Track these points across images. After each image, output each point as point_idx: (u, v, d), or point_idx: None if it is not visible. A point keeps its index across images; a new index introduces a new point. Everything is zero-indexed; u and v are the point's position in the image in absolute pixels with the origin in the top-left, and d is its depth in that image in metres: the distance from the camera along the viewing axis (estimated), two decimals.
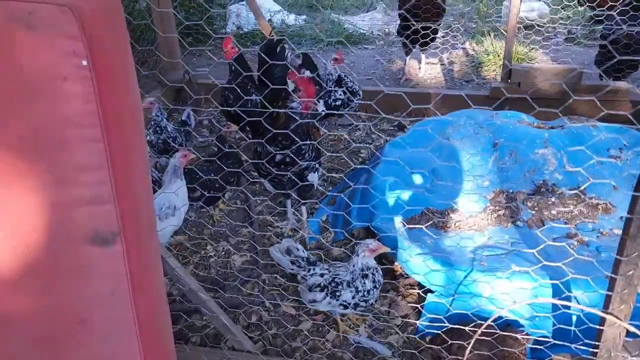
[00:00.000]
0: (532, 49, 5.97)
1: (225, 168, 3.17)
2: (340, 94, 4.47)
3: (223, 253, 3.36)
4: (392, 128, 4.84)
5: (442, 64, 6.33)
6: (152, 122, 3.92)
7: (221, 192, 3.62)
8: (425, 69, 6.04)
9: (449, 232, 3.09)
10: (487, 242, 2.92)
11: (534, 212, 3.17)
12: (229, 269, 3.20)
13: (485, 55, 6.17)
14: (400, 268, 2.92)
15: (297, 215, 3.65)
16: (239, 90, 3.91)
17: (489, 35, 6.47)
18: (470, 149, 3.61)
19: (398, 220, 3.13)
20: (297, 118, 2.86)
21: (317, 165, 3.21)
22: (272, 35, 4.37)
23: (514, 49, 4.85)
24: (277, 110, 2.83)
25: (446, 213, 3.26)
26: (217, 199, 3.67)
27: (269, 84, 4.06)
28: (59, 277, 1.62)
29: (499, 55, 6.06)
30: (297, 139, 2.76)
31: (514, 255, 2.76)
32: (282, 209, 3.71)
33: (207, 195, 3.54)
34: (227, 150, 3.48)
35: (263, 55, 3.55)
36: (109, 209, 1.67)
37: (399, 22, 5.77)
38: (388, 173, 3.37)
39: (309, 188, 3.32)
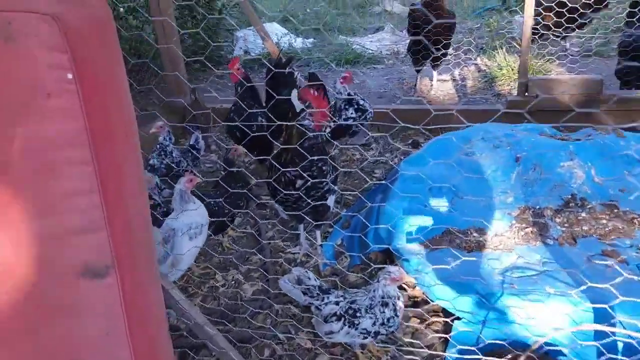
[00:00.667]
0: (548, 60, 5.80)
1: (231, 190, 3.01)
2: (351, 113, 4.33)
3: (233, 283, 3.17)
4: (406, 147, 4.67)
5: (454, 80, 6.18)
6: (158, 146, 3.79)
7: (230, 218, 3.46)
8: (437, 86, 5.90)
9: (474, 252, 2.88)
10: (516, 263, 2.71)
11: (564, 228, 2.95)
12: (239, 299, 3.01)
13: (498, 70, 6.02)
14: (423, 293, 2.71)
15: (310, 240, 3.47)
16: (245, 111, 3.79)
17: (501, 49, 6.32)
18: (491, 164, 3.42)
19: (417, 243, 2.94)
20: (310, 135, 2.70)
21: (335, 187, 3.05)
22: (280, 57, 4.27)
23: (528, 61, 4.68)
24: (283, 123, 2.70)
25: (469, 232, 3.05)
26: (226, 226, 3.50)
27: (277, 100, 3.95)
28: (48, 316, 1.45)
29: (512, 69, 5.91)
30: (315, 158, 2.62)
31: (546, 276, 2.54)
32: (293, 232, 3.53)
33: (216, 221, 3.38)
34: (233, 171, 3.33)
35: (272, 68, 3.45)
36: (100, 237, 1.51)
37: (408, 39, 5.66)
38: (406, 190, 3.18)
39: (325, 211, 3.15)
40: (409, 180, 3.31)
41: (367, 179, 4.19)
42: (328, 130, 4.11)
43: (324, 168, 2.80)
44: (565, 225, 2.97)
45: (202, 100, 4.91)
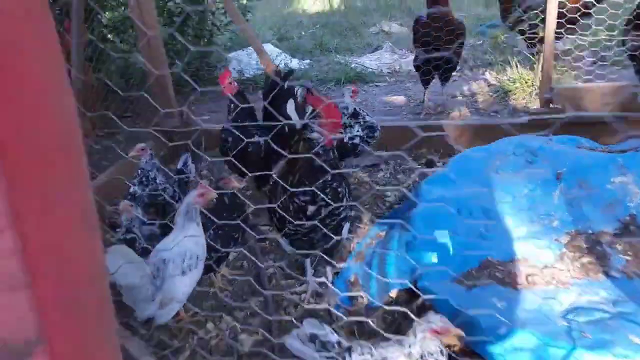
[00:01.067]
0: (566, 71, 5.38)
1: (220, 222, 2.51)
2: (357, 131, 3.85)
3: (227, 332, 2.63)
4: (419, 166, 4.18)
5: (463, 96, 5.75)
6: (139, 171, 3.28)
7: (223, 255, 2.93)
8: (446, 102, 5.45)
9: (521, 289, 2.36)
10: (578, 302, 2.19)
11: (628, 257, 2.44)
12: (235, 354, 2.46)
13: (511, 84, 5.60)
14: (464, 345, 2.17)
15: (323, 278, 2.95)
16: (239, 130, 3.31)
17: (513, 63, 5.92)
18: (527, 182, 2.93)
19: (449, 280, 2.42)
20: (320, 151, 2.20)
21: (351, 213, 2.55)
22: (279, 70, 3.81)
23: (551, 69, 4.24)
24: (291, 134, 2.21)
25: (511, 264, 2.54)
26: (219, 263, 2.97)
27: (277, 117, 3.47)
28: None
29: (526, 82, 5.49)
30: (328, 178, 2.13)
31: (622, 319, 2.01)
32: (297, 265, 3.00)
33: (207, 259, 2.86)
34: (224, 197, 2.83)
35: (277, 81, 2.99)
36: (19, 301, 0.98)
37: (414, 53, 5.24)
38: (430, 216, 2.68)
39: (337, 242, 2.64)
40: (433, 202, 2.81)
41: (379, 206, 3.69)
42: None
43: (339, 190, 2.31)
44: (629, 253, 2.46)
45: (192, 121, 4.43)
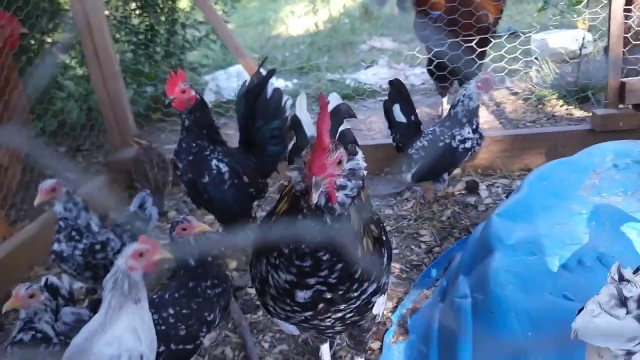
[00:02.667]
0: None
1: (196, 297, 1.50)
2: (468, 133, 2.92)
3: None
4: (459, 193, 3.18)
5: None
6: (62, 222, 2.23)
7: (195, 342, 1.88)
8: None
9: None
10: None
11: None
12: None
13: (544, 89, 4.69)
14: None
15: None
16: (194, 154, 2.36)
17: (544, 66, 5.03)
18: None
19: None
20: (336, 207, 1.21)
21: (388, 280, 1.52)
22: (259, 71, 2.79)
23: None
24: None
25: None
26: (187, 356, 1.91)
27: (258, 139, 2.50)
28: None
29: (563, 88, 4.58)
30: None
31: None
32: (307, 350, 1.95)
33: (167, 352, 1.81)
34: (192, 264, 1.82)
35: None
36: None
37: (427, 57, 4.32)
38: (519, 276, 1.66)
39: (371, 324, 1.60)
40: (515, 249, 1.80)
41: (413, 250, 2.67)
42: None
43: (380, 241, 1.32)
44: None
45: (151, 149, 3.41)
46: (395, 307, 2.23)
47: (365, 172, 1.26)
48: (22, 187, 3.69)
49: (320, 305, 1.33)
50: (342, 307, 1.36)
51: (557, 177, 2.17)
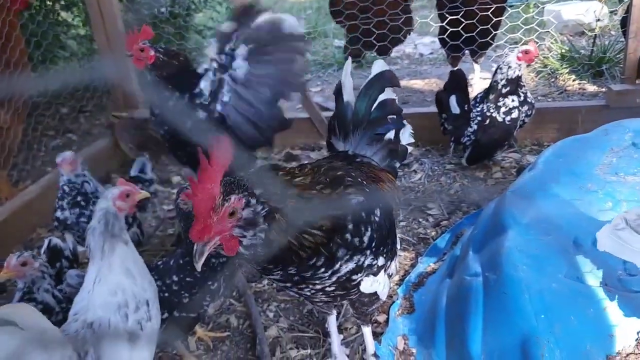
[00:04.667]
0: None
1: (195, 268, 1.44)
2: (512, 101, 2.88)
3: None
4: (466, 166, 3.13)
5: None
6: (65, 189, 2.19)
7: (199, 310, 1.86)
8: (480, 85, 4.40)
9: None
10: None
11: None
12: None
13: (558, 62, 4.57)
14: None
15: (348, 344, 1.89)
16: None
17: (555, 38, 4.89)
18: None
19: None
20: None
21: (389, 263, 1.50)
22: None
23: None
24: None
25: None
26: (190, 325, 1.90)
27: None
28: None
29: (576, 61, 4.47)
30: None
31: None
32: (314, 326, 1.93)
33: (170, 319, 1.80)
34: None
35: None
36: None
37: (439, 25, 4.19)
38: (533, 257, 1.63)
39: (373, 299, 1.58)
40: (529, 228, 1.76)
41: (421, 223, 2.63)
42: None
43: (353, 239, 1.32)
44: None
45: (131, 119, 3.35)
46: (401, 281, 2.21)
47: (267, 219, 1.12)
48: (24, 147, 3.65)
49: (295, 279, 1.30)
50: (316, 282, 1.33)
51: (573, 155, 2.11)
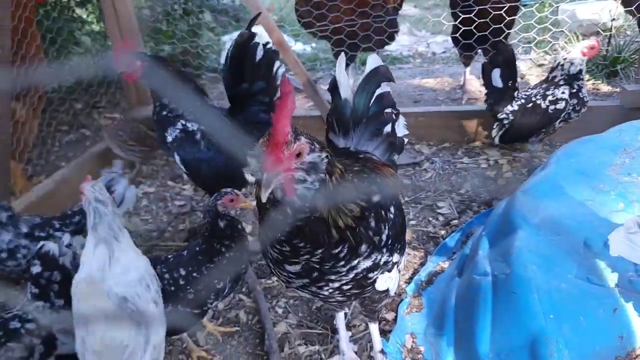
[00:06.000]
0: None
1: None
2: (562, 92, 2.81)
3: None
4: (477, 166, 3.12)
5: None
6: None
7: (202, 307, 1.87)
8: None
9: None
10: None
11: None
12: None
13: None
14: None
15: (356, 341, 1.90)
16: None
17: (571, 40, 4.85)
18: None
19: None
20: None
21: (399, 258, 1.51)
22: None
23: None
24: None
25: None
26: (195, 318, 1.91)
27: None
28: None
29: (591, 61, 4.42)
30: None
31: None
32: (323, 323, 1.94)
33: (180, 311, 1.81)
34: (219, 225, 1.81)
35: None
36: None
37: (452, 24, 4.16)
38: (544, 256, 1.62)
39: (382, 296, 1.59)
40: (539, 228, 1.75)
41: (431, 222, 2.63)
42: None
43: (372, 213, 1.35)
44: None
45: (123, 121, 3.36)
46: (411, 279, 2.21)
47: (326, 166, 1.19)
48: (38, 142, 3.69)
49: (314, 274, 1.33)
50: (333, 277, 1.36)
51: (585, 155, 2.09)
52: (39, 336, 1.63)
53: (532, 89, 2.96)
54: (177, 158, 2.37)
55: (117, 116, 3.40)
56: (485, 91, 3.06)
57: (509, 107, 2.91)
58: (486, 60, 3.12)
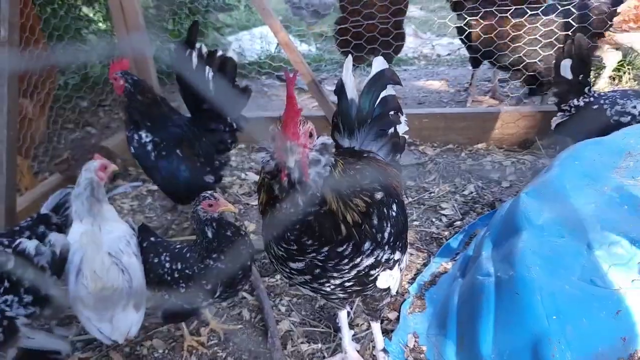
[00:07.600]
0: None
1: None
2: (634, 107, 2.56)
3: None
4: (481, 167, 3.12)
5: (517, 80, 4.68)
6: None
7: (192, 305, 1.87)
8: (497, 86, 4.38)
9: None
10: None
11: None
12: None
13: None
14: None
15: (358, 340, 1.91)
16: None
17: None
18: None
19: None
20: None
21: (401, 256, 1.53)
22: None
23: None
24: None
25: None
26: (187, 314, 1.92)
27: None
28: None
29: (598, 62, 4.41)
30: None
31: None
32: (325, 320, 1.94)
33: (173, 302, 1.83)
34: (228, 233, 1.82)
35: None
36: None
37: (458, 24, 4.16)
38: (549, 258, 1.63)
39: (384, 294, 1.60)
40: (543, 230, 1.76)
41: (434, 223, 2.63)
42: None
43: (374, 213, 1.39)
44: None
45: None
46: (413, 279, 2.22)
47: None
48: (44, 139, 3.71)
49: (317, 271, 1.37)
50: (335, 274, 1.39)
51: (590, 158, 2.10)
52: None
53: (612, 91, 2.78)
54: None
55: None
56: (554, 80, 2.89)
57: (575, 101, 2.74)
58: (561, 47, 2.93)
